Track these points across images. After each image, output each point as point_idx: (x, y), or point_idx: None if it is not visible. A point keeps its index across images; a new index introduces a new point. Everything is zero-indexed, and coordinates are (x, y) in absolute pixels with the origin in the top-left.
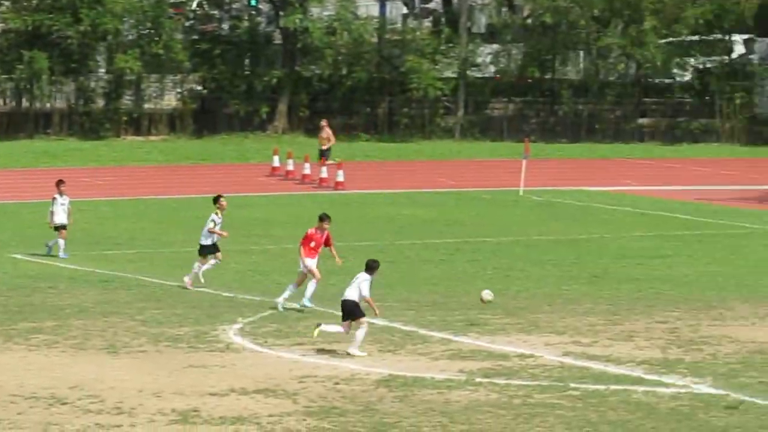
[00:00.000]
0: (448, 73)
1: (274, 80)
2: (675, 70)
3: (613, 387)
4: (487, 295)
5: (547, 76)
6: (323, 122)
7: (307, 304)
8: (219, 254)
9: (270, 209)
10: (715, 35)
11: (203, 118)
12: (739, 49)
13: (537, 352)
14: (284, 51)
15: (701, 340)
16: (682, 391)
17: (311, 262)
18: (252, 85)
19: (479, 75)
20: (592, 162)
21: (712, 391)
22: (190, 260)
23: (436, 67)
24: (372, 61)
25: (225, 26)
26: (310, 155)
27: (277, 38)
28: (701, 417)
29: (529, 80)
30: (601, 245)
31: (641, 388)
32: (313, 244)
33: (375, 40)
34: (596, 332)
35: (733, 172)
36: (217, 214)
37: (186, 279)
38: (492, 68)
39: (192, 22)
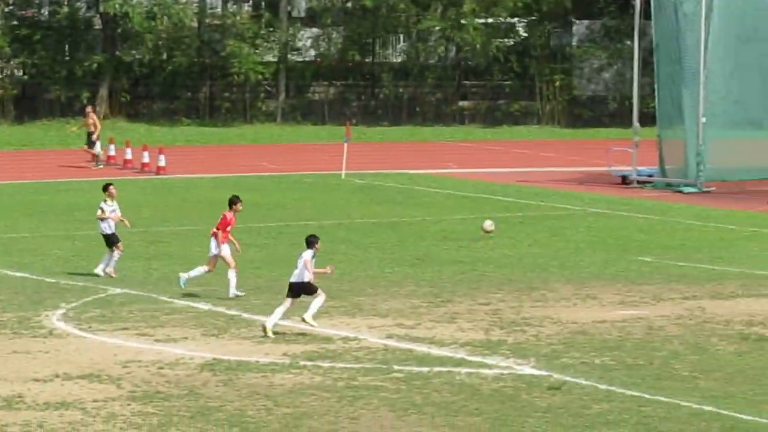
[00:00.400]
0: (269, 57)
1: (95, 66)
2: (494, 53)
3: (436, 369)
4: (489, 225)
5: (368, 60)
6: (88, 108)
7: (238, 293)
8: (120, 245)
9: (93, 194)
10: (532, 18)
11: (24, 104)
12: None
13: (360, 334)
14: (104, 36)
15: (524, 322)
16: (506, 372)
17: (226, 249)
18: (72, 71)
19: (300, 59)
20: (413, 145)
21: (535, 372)
22: (12, 246)
23: (257, 51)
24: (192, 46)
25: (45, 11)
26: (131, 140)
27: (97, 23)
28: (524, 398)
29: (350, 64)
30: (423, 228)
31: (465, 370)
32: (229, 229)
33: (195, 24)
34: (419, 314)
35: (554, 154)
36: (105, 201)
37: (109, 270)
38: (312, 52)
39: (11, 7)
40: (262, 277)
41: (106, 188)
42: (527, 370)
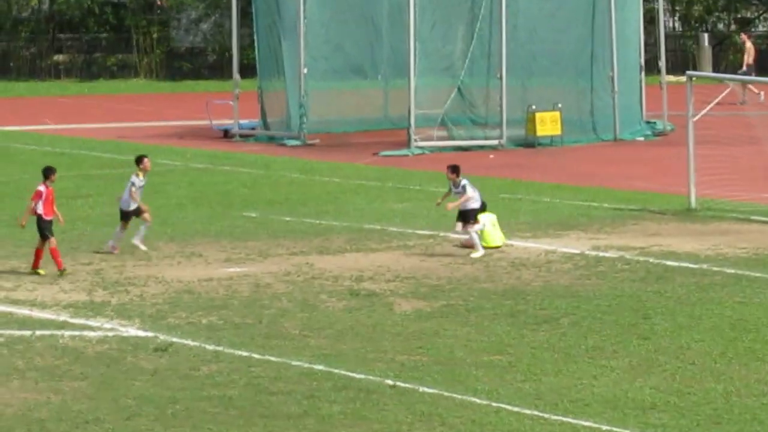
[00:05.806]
0: None
1: None
2: (89, 5)
3: (38, 332)
4: None
5: None
6: None
7: None
8: (146, 215)
9: None
10: None
11: None
12: None
13: None
14: None
15: (127, 281)
16: (110, 334)
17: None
18: None
19: None
20: (7, 101)
21: (141, 333)
22: None
23: None
24: None
25: None
26: None
27: None
28: (130, 360)
29: None
30: (20, 187)
31: (68, 333)
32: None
33: None
34: (19, 276)
35: (152, 108)
36: (138, 176)
37: (110, 243)
38: None
39: None
40: None
41: (139, 161)
42: (132, 331)
